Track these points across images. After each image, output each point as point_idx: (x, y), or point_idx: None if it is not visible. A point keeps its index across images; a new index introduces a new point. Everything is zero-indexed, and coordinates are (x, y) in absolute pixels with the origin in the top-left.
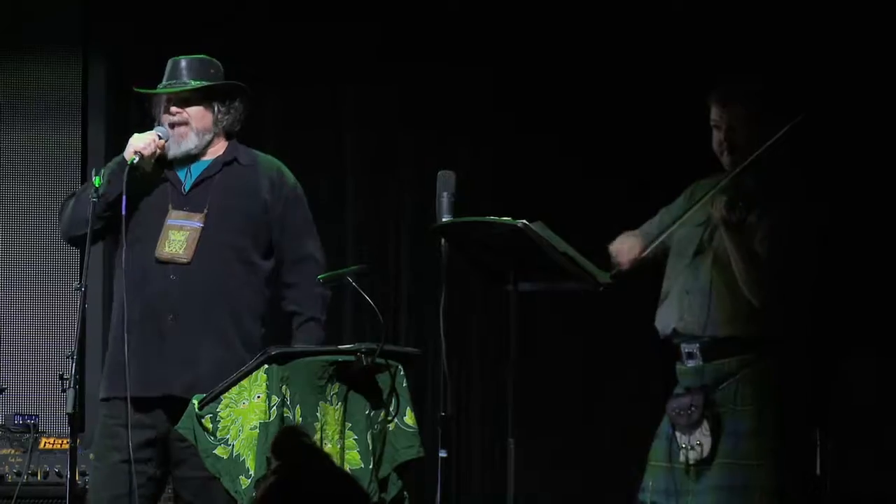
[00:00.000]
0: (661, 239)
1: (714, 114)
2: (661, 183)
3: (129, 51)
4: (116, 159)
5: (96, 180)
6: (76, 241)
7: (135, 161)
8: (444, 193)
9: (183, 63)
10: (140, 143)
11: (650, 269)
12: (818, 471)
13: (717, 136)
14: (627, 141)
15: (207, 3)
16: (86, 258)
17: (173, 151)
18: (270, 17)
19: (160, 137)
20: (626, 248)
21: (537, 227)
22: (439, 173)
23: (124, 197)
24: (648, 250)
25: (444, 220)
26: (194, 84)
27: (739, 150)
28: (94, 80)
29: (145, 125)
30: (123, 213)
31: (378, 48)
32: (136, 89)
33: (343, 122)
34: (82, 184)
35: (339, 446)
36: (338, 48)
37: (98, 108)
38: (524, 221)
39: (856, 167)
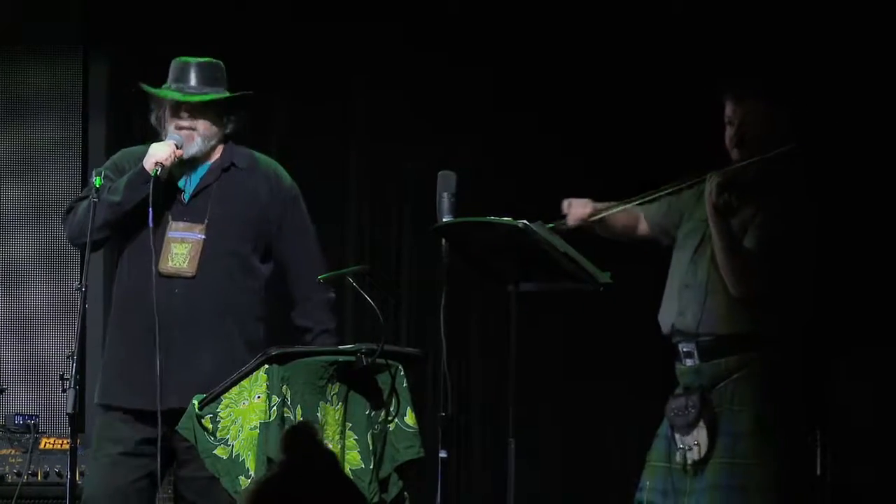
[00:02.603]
0: (617, 209)
1: (728, 110)
2: (662, 183)
3: (129, 50)
4: (115, 163)
5: (97, 181)
6: (83, 247)
7: (158, 173)
8: (445, 194)
9: (193, 67)
10: (161, 154)
11: (644, 244)
12: (818, 471)
13: (729, 132)
14: (628, 141)
15: (209, 4)
16: (86, 258)
17: (183, 156)
18: (272, 19)
19: (177, 147)
20: (578, 205)
21: (537, 227)
22: (440, 174)
23: (150, 210)
24: (597, 217)
25: (444, 220)
26: (211, 96)
27: (749, 144)
28: (94, 79)
29: (148, 124)
30: (150, 224)
31: (379, 50)
32: (143, 87)
33: (345, 123)
34: (83, 183)
35: (339, 446)
36: (340, 49)
37: (98, 107)
38: (524, 221)
39: (855, 166)
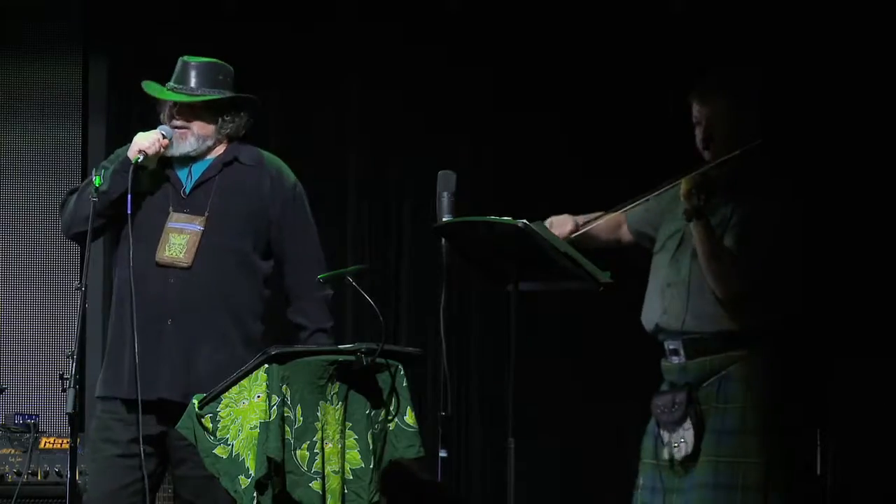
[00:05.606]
0: (593, 218)
1: (694, 110)
2: (661, 182)
3: (129, 50)
4: (119, 156)
5: (97, 180)
6: (77, 238)
7: (139, 160)
8: (445, 193)
9: (192, 67)
10: (144, 143)
11: (630, 251)
12: (819, 470)
13: (698, 133)
14: (628, 141)
15: (208, 3)
16: (86, 257)
17: (173, 151)
18: (272, 18)
19: (164, 136)
20: (558, 223)
21: (538, 226)
22: (440, 173)
23: (129, 196)
24: (579, 232)
25: (444, 219)
26: (199, 98)
27: (718, 144)
28: (94, 79)
29: (147, 124)
30: (129, 211)
31: (379, 49)
32: (144, 86)
33: (344, 123)
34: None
35: (339, 446)
36: (339, 49)
37: (98, 107)
38: (525, 221)
39: (852, 167)
